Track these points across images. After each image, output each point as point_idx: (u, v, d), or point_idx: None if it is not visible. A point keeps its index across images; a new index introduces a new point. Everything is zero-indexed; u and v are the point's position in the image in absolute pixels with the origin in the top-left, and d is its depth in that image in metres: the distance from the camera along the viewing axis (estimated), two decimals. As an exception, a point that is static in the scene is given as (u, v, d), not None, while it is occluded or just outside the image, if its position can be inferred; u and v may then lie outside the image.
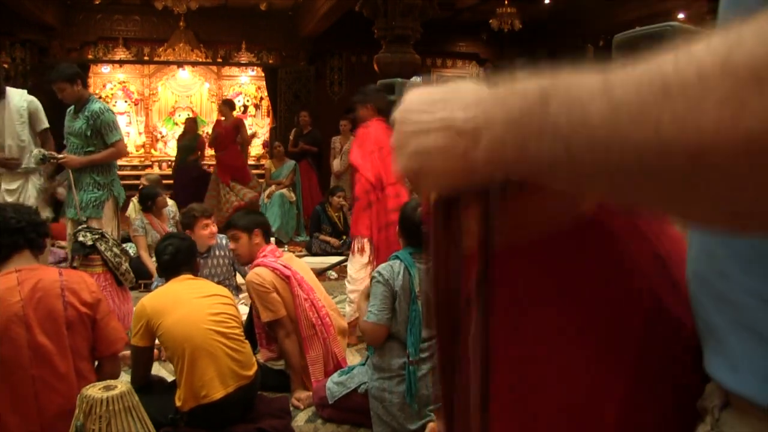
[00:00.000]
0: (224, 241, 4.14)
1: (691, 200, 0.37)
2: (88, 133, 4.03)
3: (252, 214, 3.36)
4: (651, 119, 0.36)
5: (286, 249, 6.53)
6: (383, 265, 2.74)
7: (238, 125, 7.81)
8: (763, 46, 0.33)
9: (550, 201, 0.56)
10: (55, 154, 4.07)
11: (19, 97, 4.19)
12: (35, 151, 4.09)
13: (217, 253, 4.12)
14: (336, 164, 7.54)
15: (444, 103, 0.50)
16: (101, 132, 4.05)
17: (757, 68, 0.33)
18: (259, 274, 3.01)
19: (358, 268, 3.91)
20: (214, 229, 4.11)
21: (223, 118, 7.89)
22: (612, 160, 0.38)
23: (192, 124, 8.59)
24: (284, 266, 3.09)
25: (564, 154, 0.41)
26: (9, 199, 4.16)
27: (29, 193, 4.21)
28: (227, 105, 8.07)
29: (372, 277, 2.73)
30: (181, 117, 10.64)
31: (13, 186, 4.19)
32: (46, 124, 4.33)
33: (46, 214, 4.16)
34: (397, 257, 2.71)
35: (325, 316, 3.09)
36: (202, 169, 8.42)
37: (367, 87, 4.25)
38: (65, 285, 2.11)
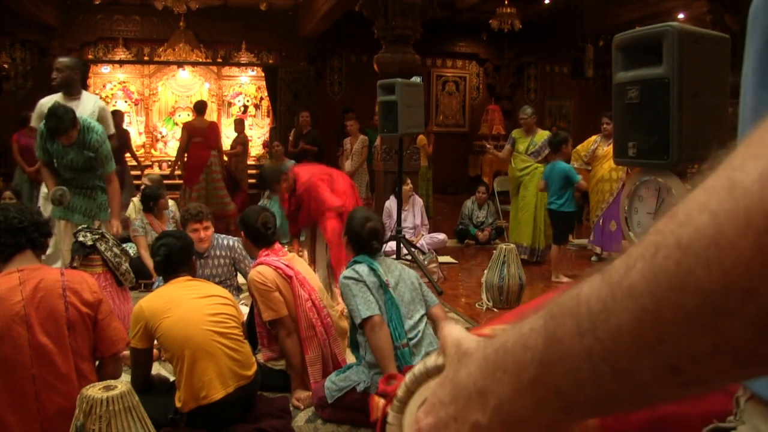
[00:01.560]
0: (224, 242, 4.13)
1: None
2: (94, 164, 4.00)
3: (252, 214, 3.27)
4: (689, 283, 0.33)
5: (285, 249, 6.49)
6: (346, 271, 2.89)
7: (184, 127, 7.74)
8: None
9: None
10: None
11: (92, 103, 4.15)
12: (55, 189, 3.88)
13: (217, 253, 4.09)
14: (348, 165, 7.61)
15: (452, 407, 0.46)
16: (102, 161, 4.01)
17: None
18: (260, 272, 3.00)
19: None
20: (206, 233, 3.98)
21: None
22: (670, 343, 0.34)
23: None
24: (287, 266, 3.08)
25: (610, 372, 0.37)
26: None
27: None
28: (194, 106, 8.08)
29: (342, 284, 2.84)
30: (181, 117, 10.65)
31: None
32: (112, 130, 4.32)
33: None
34: (355, 261, 2.90)
35: (326, 317, 3.08)
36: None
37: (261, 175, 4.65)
38: (67, 285, 2.12)
